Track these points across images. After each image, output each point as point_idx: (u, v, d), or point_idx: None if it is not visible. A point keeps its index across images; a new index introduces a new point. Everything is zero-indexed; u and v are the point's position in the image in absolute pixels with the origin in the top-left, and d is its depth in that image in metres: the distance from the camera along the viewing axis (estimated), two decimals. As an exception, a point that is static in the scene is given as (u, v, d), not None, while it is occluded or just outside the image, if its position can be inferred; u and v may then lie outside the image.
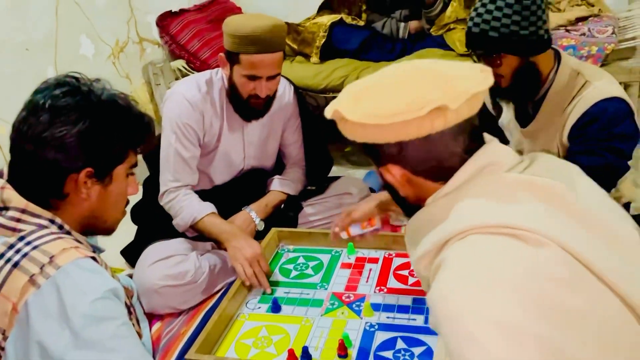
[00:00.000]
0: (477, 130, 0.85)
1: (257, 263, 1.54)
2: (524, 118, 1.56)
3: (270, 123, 1.81)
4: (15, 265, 0.88)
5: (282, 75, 1.75)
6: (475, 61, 1.45)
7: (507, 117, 1.62)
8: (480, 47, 1.41)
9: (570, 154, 1.45)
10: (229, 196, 1.81)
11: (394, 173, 0.86)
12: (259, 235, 1.79)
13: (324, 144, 2.03)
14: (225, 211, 1.76)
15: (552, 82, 1.45)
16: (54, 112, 0.91)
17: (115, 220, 1.06)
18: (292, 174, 1.94)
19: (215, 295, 1.70)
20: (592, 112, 1.37)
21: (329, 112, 0.87)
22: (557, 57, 1.47)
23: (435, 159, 0.83)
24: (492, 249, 0.74)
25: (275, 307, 1.52)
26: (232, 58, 1.59)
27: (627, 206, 1.66)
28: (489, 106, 1.69)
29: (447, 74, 0.81)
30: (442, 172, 0.84)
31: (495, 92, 1.52)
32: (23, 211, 0.93)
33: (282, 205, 1.90)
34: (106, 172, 0.98)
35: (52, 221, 0.94)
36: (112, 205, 1.02)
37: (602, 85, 1.39)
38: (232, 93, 1.66)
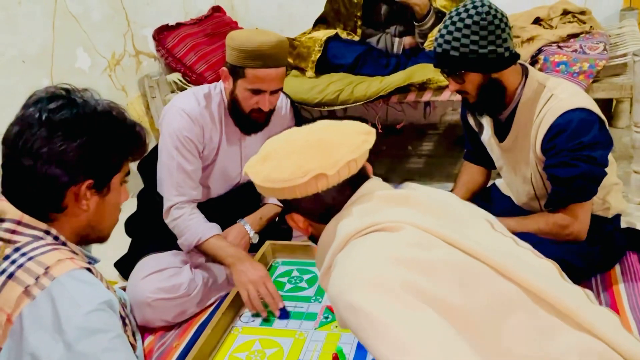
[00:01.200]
0: (361, 177, 1.02)
1: (264, 285, 1.52)
2: (501, 133, 1.61)
3: (268, 136, 1.81)
4: (10, 276, 0.88)
5: None
6: (445, 77, 1.55)
7: (487, 133, 1.67)
8: (445, 66, 1.49)
9: (546, 168, 1.49)
10: (223, 209, 1.81)
11: (296, 220, 1.05)
12: (253, 248, 1.79)
13: None
14: (220, 223, 1.75)
15: (520, 97, 1.51)
16: (52, 126, 0.91)
17: (110, 228, 1.07)
18: None
19: (208, 308, 1.70)
20: (558, 124, 1.42)
21: (244, 170, 1.06)
22: (525, 72, 1.52)
23: (324, 208, 1.01)
24: (364, 243, 0.92)
25: (284, 314, 1.52)
26: (237, 72, 1.61)
27: (617, 218, 1.67)
28: (472, 123, 1.72)
29: (330, 143, 0.99)
30: (332, 216, 1.01)
31: (467, 106, 1.62)
32: (18, 223, 0.93)
33: (277, 219, 1.90)
34: (105, 183, 0.98)
35: (47, 232, 0.94)
36: (108, 215, 1.03)
37: (567, 97, 1.45)
38: (234, 107, 1.68)
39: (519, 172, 1.61)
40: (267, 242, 1.81)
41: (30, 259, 0.89)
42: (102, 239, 1.06)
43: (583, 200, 1.49)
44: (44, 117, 0.91)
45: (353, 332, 0.87)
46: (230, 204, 1.83)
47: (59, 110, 0.92)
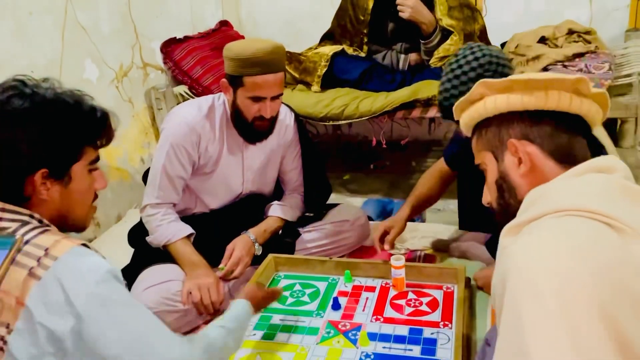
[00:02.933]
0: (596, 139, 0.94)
1: (207, 291, 1.58)
2: None
3: (270, 148, 1.83)
4: (11, 261, 0.89)
5: (283, 103, 1.78)
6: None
7: None
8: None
9: None
10: (227, 220, 1.81)
11: (525, 151, 0.92)
12: (256, 260, 1.78)
13: (323, 172, 2.05)
14: (224, 235, 1.76)
15: None
16: (1, 117, 0.94)
17: (85, 217, 1.06)
18: (291, 200, 1.94)
19: (210, 321, 1.67)
20: None
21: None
22: None
23: (568, 140, 0.91)
24: (585, 228, 0.76)
25: (336, 305, 1.59)
26: (236, 81, 1.62)
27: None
28: None
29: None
30: (568, 157, 0.90)
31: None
32: (2, 210, 0.94)
33: (280, 231, 1.89)
34: (63, 171, 0.99)
35: (31, 216, 0.96)
36: (77, 203, 1.03)
37: None
38: (237, 117, 1.69)
39: None
40: (270, 255, 1.80)
41: (26, 242, 0.90)
42: (78, 228, 1.06)
43: None
44: None
45: (508, 303, 0.73)
46: (233, 216, 1.83)
47: (7, 100, 0.95)
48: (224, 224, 1.80)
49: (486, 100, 0.96)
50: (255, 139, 1.75)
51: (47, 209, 0.99)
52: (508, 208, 0.97)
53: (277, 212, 1.88)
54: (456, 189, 1.88)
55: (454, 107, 1.05)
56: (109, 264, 0.94)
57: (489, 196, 1.03)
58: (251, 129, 1.69)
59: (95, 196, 1.08)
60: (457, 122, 1.42)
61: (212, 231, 1.78)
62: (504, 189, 0.97)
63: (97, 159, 1.05)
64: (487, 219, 1.70)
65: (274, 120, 1.71)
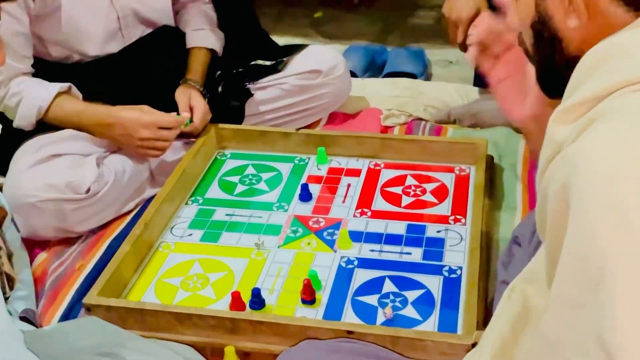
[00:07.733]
0: None
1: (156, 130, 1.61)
2: None
3: None
4: None
5: None
6: None
7: None
8: None
9: None
10: (134, 64, 1.77)
11: None
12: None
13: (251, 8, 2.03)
14: (141, 83, 1.76)
15: None
16: None
17: None
18: (197, 17, 1.91)
19: (125, 215, 1.68)
20: None
21: None
22: None
23: None
24: None
25: (305, 194, 1.60)
26: None
27: None
28: None
29: None
30: None
31: None
32: None
33: (220, 88, 1.87)
34: None
35: None
36: None
37: None
38: None
39: None
40: (211, 126, 1.78)
41: None
42: None
43: None
44: None
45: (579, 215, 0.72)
46: (142, 59, 1.78)
47: None
48: (129, 70, 1.76)
49: None
50: None
51: None
52: (550, 63, 0.91)
53: (196, 41, 1.87)
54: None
55: None
56: None
57: (517, 23, 0.93)
58: None
59: None
60: None
61: (132, 87, 1.74)
62: (544, 36, 0.88)
63: None
64: None
65: None
